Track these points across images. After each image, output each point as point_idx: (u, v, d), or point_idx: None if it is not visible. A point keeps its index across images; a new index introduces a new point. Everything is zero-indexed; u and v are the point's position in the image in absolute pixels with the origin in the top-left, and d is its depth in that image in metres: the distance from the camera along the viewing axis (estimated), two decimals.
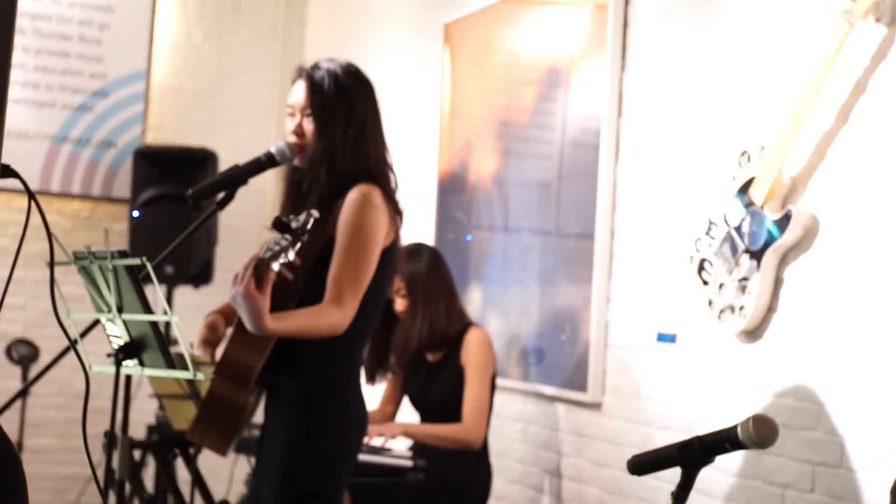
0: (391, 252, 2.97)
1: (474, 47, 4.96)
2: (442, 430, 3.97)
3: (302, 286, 2.91)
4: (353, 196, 2.89)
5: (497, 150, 4.72)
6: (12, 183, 1.78)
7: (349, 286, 2.84)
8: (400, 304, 4.03)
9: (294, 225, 2.63)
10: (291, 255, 2.63)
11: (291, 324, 2.80)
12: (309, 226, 2.63)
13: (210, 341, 2.99)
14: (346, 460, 2.95)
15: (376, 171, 2.98)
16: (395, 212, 2.99)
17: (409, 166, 4.90)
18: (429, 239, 4.96)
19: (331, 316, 2.82)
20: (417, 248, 4.16)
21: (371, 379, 4.03)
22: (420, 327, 4.03)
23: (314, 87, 2.98)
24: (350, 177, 2.94)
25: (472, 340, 4.05)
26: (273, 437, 2.95)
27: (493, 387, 4.09)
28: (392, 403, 4.29)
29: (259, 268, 2.67)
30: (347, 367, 2.97)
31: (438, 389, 4.08)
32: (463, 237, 4.89)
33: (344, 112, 2.95)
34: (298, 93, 3.01)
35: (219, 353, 2.99)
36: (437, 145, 5.13)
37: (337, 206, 2.91)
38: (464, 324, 4.11)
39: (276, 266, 2.64)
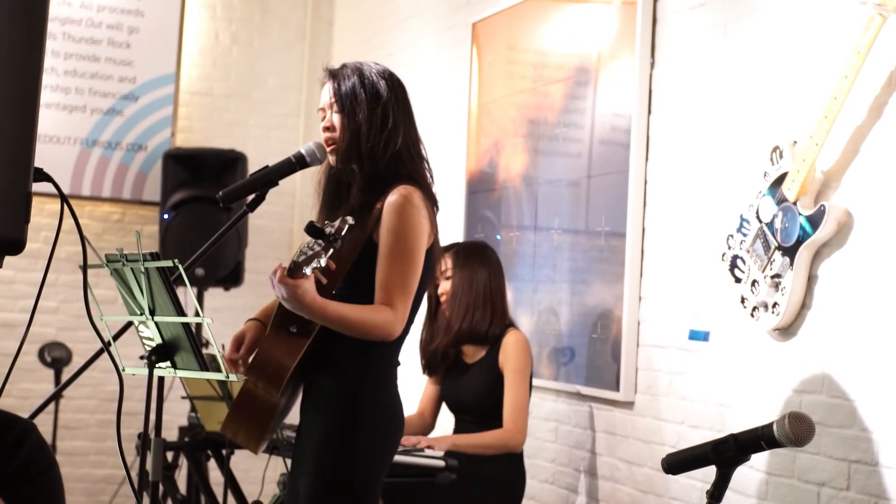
0: (431, 252, 2.96)
1: (502, 46, 4.95)
2: (486, 438, 3.98)
3: (339, 288, 2.90)
4: (393, 198, 2.87)
5: (526, 148, 4.71)
6: (44, 187, 1.79)
7: (399, 291, 2.83)
8: (442, 287, 4.07)
9: (328, 231, 2.62)
10: (324, 261, 2.62)
11: (344, 310, 2.78)
12: (343, 232, 2.62)
13: (232, 360, 2.97)
14: (382, 461, 2.94)
15: (410, 165, 2.96)
16: (434, 209, 2.98)
17: (437, 166, 4.87)
18: (458, 239, 4.96)
19: (385, 315, 2.80)
20: (479, 247, 4.24)
21: (428, 370, 4.19)
22: (464, 316, 4.04)
23: (339, 82, 3.00)
24: (384, 166, 2.93)
25: (510, 343, 4.05)
26: (309, 437, 2.95)
27: (530, 388, 4.08)
28: (431, 407, 4.29)
29: (293, 271, 2.67)
30: (383, 367, 2.96)
31: (473, 390, 4.08)
32: (492, 236, 4.89)
33: (368, 100, 2.95)
34: (326, 92, 3.02)
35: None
36: (465, 144, 5.13)
37: (376, 208, 2.90)
38: (504, 325, 4.11)
39: (308, 271, 2.64)
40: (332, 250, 2.62)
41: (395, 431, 2.98)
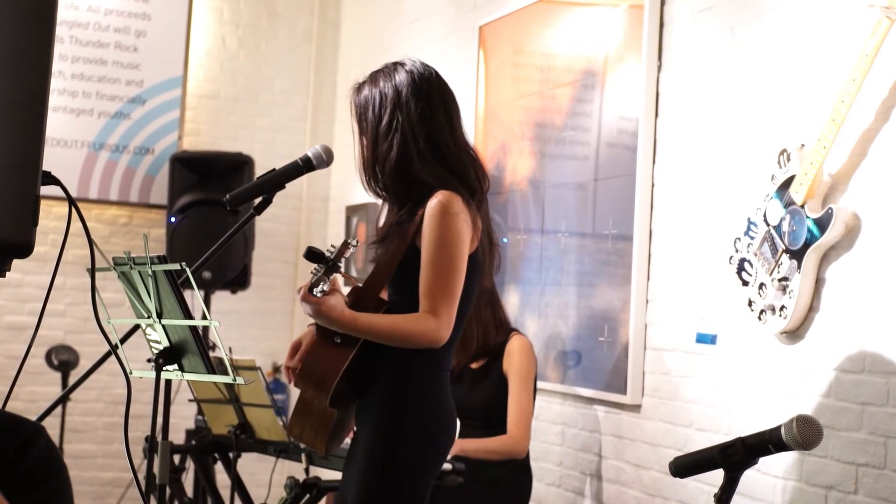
0: (476, 256, 2.93)
1: (509, 49, 4.95)
2: (492, 444, 3.98)
3: (391, 294, 2.92)
4: (431, 205, 2.84)
5: (533, 152, 4.71)
6: (51, 190, 1.79)
7: (441, 297, 2.81)
8: None
9: (327, 255, 2.64)
10: (326, 286, 2.65)
11: (377, 321, 2.79)
12: (345, 255, 2.64)
13: (288, 367, 2.98)
14: (432, 464, 2.92)
15: (438, 169, 2.92)
16: (476, 210, 2.92)
17: None
18: None
19: (427, 323, 2.79)
20: None
21: None
22: (476, 334, 4.04)
23: (354, 105, 3.00)
24: (401, 180, 2.92)
25: (514, 348, 4.05)
26: (358, 442, 2.95)
27: (534, 392, 4.08)
28: None
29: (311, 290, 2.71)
30: (431, 371, 2.93)
31: (480, 396, 4.08)
32: (499, 240, 4.88)
33: (373, 122, 2.94)
34: None
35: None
36: None
37: (418, 214, 2.89)
38: (507, 331, 4.11)
39: (317, 292, 2.67)
40: (334, 274, 2.65)
41: (446, 434, 2.95)
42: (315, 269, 2.69)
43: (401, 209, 2.94)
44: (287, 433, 3.10)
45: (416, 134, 2.92)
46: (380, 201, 3.06)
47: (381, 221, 3.04)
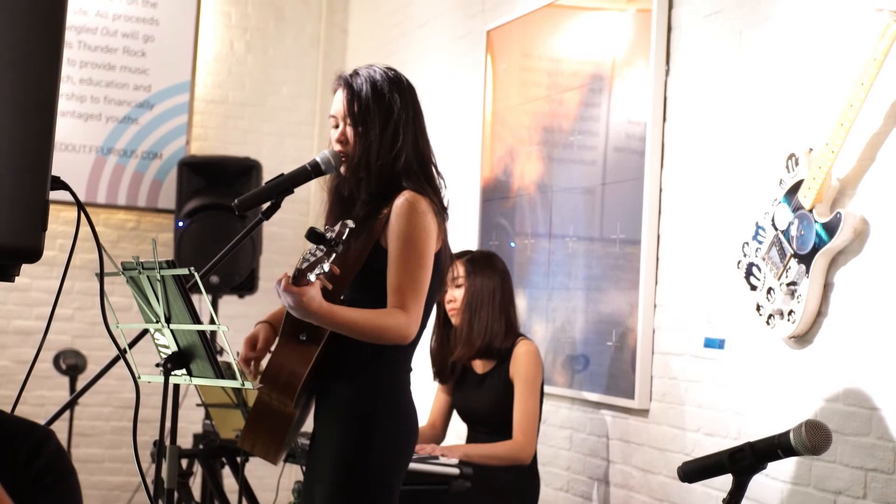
0: (439, 256, 2.96)
1: (516, 54, 4.95)
2: (495, 450, 3.97)
3: (348, 294, 2.91)
4: (398, 203, 2.89)
5: (540, 156, 4.71)
6: (59, 195, 1.79)
7: (410, 293, 2.83)
8: (451, 294, 4.05)
9: (329, 236, 2.63)
10: (327, 266, 2.64)
11: (353, 314, 2.78)
12: (344, 236, 2.63)
13: (248, 359, 2.98)
14: (399, 466, 2.94)
15: (418, 175, 2.97)
16: (442, 216, 2.98)
17: (451, 174, 4.90)
18: (472, 246, 4.96)
19: (398, 318, 2.80)
20: (492, 255, 4.25)
21: (440, 377, 4.19)
22: (479, 330, 4.04)
23: (353, 94, 2.99)
24: (389, 181, 2.94)
25: (521, 353, 4.04)
26: (324, 445, 2.95)
27: (541, 397, 4.07)
28: (442, 418, 4.29)
29: (297, 278, 2.68)
30: (396, 372, 2.96)
31: (485, 400, 4.07)
32: (507, 244, 4.88)
33: (381, 117, 2.95)
34: (339, 102, 3.02)
35: (264, 363, 3.00)
36: (479, 152, 5.13)
37: (383, 213, 2.91)
38: (515, 336, 4.10)
39: (312, 277, 2.65)
40: (334, 255, 2.63)
41: (410, 436, 2.98)
42: (309, 253, 2.68)
43: (367, 205, 2.94)
44: (239, 445, 3.09)
45: (408, 143, 2.95)
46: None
47: (327, 212, 3.04)
